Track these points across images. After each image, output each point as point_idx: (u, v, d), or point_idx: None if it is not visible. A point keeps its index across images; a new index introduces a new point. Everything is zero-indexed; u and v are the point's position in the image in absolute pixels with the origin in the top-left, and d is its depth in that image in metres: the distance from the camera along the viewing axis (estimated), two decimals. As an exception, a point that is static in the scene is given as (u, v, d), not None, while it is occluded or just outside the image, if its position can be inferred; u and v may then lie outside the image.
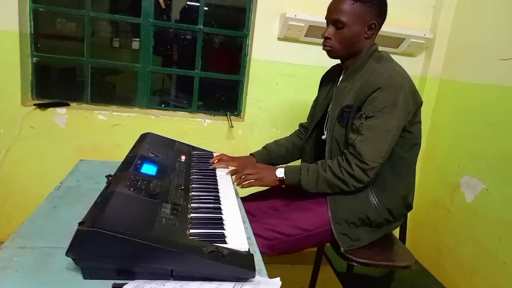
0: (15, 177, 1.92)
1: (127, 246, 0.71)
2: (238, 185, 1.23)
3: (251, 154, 1.50)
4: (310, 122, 1.47)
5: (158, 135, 1.60)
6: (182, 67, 2.26)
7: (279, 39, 2.11)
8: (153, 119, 2.09)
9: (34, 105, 1.92)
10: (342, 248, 1.22)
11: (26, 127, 1.92)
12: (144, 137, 1.51)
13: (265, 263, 0.87)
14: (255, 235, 1.12)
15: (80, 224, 0.72)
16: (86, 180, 1.30)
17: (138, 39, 2.11)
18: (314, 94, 1.55)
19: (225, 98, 2.35)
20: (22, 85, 1.90)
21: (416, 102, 1.21)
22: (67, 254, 0.70)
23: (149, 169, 1.14)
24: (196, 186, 1.18)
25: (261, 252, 1.16)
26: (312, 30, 2.03)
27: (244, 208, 1.21)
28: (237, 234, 0.89)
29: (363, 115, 1.17)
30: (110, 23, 2.26)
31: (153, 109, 2.19)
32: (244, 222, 1.11)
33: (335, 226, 1.21)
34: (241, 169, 1.28)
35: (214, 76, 2.26)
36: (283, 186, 1.29)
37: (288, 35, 2.07)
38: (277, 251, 1.19)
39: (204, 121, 2.17)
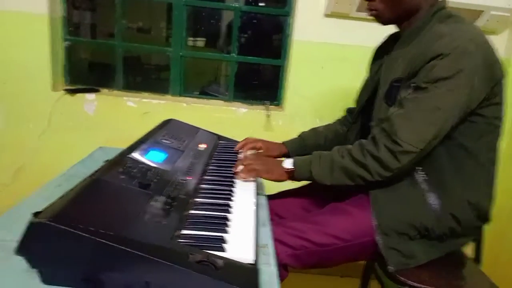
0: (47, 166, 1.92)
1: (88, 246, 0.57)
2: (235, 174, 1.05)
3: (282, 143, 1.31)
4: (356, 106, 1.24)
5: (182, 122, 1.48)
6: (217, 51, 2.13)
7: (326, 15, 1.88)
8: (184, 107, 1.98)
9: (64, 90, 1.89)
10: (390, 267, 0.98)
11: (56, 114, 1.91)
12: (165, 123, 1.39)
13: (297, 272, 0.68)
14: (278, 241, 0.93)
15: (34, 215, 0.58)
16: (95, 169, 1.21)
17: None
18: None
19: (263, 86, 2.18)
20: (53, 70, 1.89)
21: (492, 76, 0.93)
22: (17, 252, 0.57)
23: (155, 156, 1.01)
24: (210, 178, 1.02)
25: (285, 264, 0.98)
26: (365, 4, 1.77)
27: (271, 208, 1.03)
28: (242, 240, 0.71)
29: (412, 85, 0.93)
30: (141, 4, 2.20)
31: (186, 97, 2.08)
32: (264, 225, 0.93)
33: (381, 237, 0.98)
34: (245, 157, 1.10)
35: (252, 60, 2.09)
36: (294, 180, 1.09)
37: (337, 10, 1.84)
38: (304, 263, 0.98)
39: (239, 110, 2.01)
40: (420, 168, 0.98)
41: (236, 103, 2.09)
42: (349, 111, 1.38)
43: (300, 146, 1.29)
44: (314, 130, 1.33)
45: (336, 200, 1.08)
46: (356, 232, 0.98)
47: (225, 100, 2.09)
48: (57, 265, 0.58)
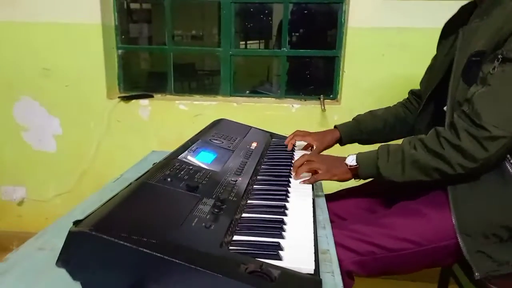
0: (106, 172, 1.99)
1: (129, 256, 0.52)
2: (296, 177, 0.96)
3: (335, 126, 1.20)
4: (425, 88, 1.09)
5: (232, 121, 1.43)
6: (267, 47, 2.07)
7: (383, -2, 1.74)
8: (235, 107, 1.94)
9: (119, 97, 1.95)
10: (477, 274, 0.84)
11: (113, 121, 1.97)
12: (215, 123, 1.36)
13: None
14: (340, 246, 0.83)
15: (74, 223, 0.55)
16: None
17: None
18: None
19: (317, 79, 2.07)
20: (107, 78, 1.96)
21: None
22: (57, 263, 0.54)
23: (204, 156, 0.96)
24: (262, 178, 0.95)
25: (349, 271, 0.87)
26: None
27: (329, 209, 0.93)
28: (301, 246, 0.63)
29: (498, 56, 0.78)
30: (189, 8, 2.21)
31: (236, 96, 2.04)
32: (324, 227, 0.84)
33: (463, 240, 0.83)
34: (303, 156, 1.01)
35: (305, 54, 2.00)
36: (358, 179, 0.97)
37: (395, -9, 1.68)
38: (370, 270, 0.87)
39: (292, 106, 1.93)
40: None
41: (288, 99, 2.01)
42: (413, 93, 1.23)
43: (354, 130, 1.18)
44: (371, 113, 1.20)
45: (405, 198, 0.96)
46: (431, 235, 0.85)
47: (277, 97, 2.02)
48: (99, 276, 0.54)
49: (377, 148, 0.94)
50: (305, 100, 1.99)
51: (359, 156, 0.95)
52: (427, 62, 1.24)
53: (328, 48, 1.97)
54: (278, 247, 0.61)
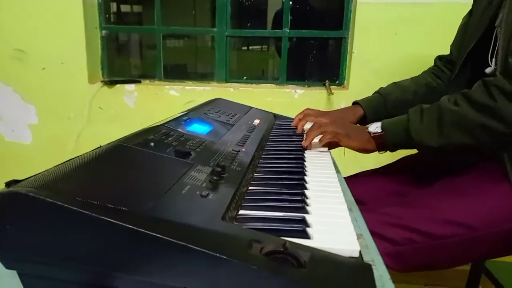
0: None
1: (83, 229, 0.36)
2: (306, 141, 0.79)
3: (354, 102, 1.04)
4: (459, 51, 0.95)
5: (230, 101, 1.27)
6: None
7: (395, -31, 1.60)
8: (231, 92, 1.78)
9: (101, 81, 1.78)
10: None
11: (95, 108, 1.80)
12: (210, 101, 1.19)
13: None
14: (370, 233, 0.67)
15: (7, 184, 0.39)
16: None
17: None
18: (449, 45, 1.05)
19: (322, 63, 1.93)
20: (89, 61, 1.79)
21: None
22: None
23: (198, 128, 0.80)
24: (270, 151, 0.79)
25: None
26: None
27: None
28: (335, 224, 0.46)
29: None
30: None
31: (233, 82, 1.88)
32: (350, 209, 0.67)
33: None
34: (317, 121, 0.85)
35: (308, 34, 1.85)
36: (384, 150, 0.82)
37: (410, -39, 1.55)
38: (409, 263, 0.70)
39: (295, 91, 1.77)
40: None
41: (290, 85, 1.85)
42: (442, 58, 1.08)
43: (380, 105, 1.01)
44: (396, 85, 1.04)
45: (444, 176, 0.80)
46: (489, 217, 0.68)
47: (277, 84, 1.87)
48: (41, 263, 0.38)
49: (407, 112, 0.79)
50: (308, 87, 1.84)
51: (385, 122, 0.80)
52: (445, 39, 1.10)
53: (334, 29, 1.82)
54: (304, 222, 0.44)
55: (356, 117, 1.01)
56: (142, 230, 0.34)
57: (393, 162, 1.00)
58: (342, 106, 1.80)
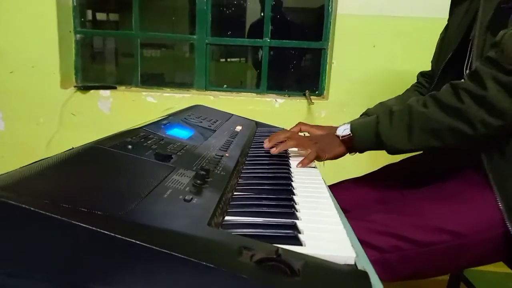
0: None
1: (51, 235, 0.32)
2: (273, 150, 0.77)
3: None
4: (438, 62, 0.96)
5: (210, 108, 1.25)
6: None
7: (375, -18, 1.63)
8: (211, 100, 1.75)
9: (74, 87, 1.71)
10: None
11: (67, 114, 1.73)
12: (190, 107, 1.16)
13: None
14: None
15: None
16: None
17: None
18: (430, 58, 1.07)
19: (302, 74, 1.93)
20: (62, 65, 1.72)
21: None
22: None
23: (179, 132, 0.77)
24: (254, 157, 0.76)
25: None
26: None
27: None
28: (328, 230, 0.44)
29: None
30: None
31: (213, 90, 1.86)
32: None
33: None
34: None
35: (288, 44, 1.85)
36: (354, 152, 0.82)
37: (389, -25, 1.59)
38: (396, 272, 0.69)
39: (276, 101, 1.76)
40: None
41: (271, 94, 1.84)
42: (424, 75, 1.09)
43: None
44: (382, 105, 1.05)
45: (429, 181, 0.79)
46: (475, 224, 0.68)
47: (258, 93, 1.85)
48: (7, 275, 0.33)
49: (375, 114, 0.79)
50: (289, 96, 1.83)
51: (353, 124, 0.80)
52: (423, 52, 1.13)
53: (314, 39, 1.83)
54: (295, 227, 0.42)
55: None
56: (119, 236, 0.31)
57: (376, 170, 0.99)
58: (323, 116, 1.82)
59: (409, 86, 1.14)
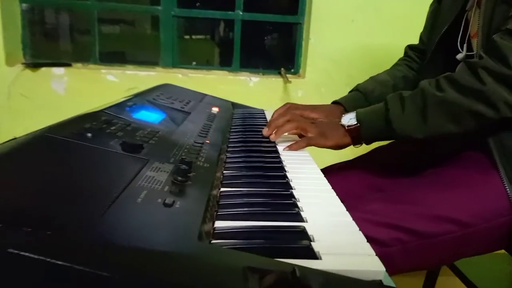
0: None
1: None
2: (275, 136, 0.71)
3: (334, 102, 0.95)
4: (430, 37, 0.90)
5: (181, 87, 1.14)
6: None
7: (354, -49, 1.55)
8: (180, 78, 1.63)
9: (22, 64, 1.54)
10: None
11: (16, 95, 1.56)
12: (157, 87, 1.05)
13: None
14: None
15: None
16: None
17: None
18: (412, 34, 1.03)
19: (276, 51, 1.85)
20: (7, 40, 1.53)
21: None
22: None
23: (148, 115, 0.67)
24: (235, 147, 0.68)
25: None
26: None
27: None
28: (340, 230, 0.36)
29: None
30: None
31: (181, 68, 1.73)
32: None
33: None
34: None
35: (261, 18, 1.75)
36: (358, 144, 0.76)
37: None
38: (399, 265, 0.64)
39: (250, 79, 1.67)
40: None
41: (245, 72, 1.74)
42: (413, 48, 1.03)
43: (361, 103, 0.91)
44: (374, 80, 0.98)
45: (429, 166, 0.74)
46: (480, 211, 0.63)
47: (230, 71, 1.75)
48: None
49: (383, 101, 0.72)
50: (263, 74, 1.74)
51: (360, 113, 0.73)
52: (404, 27, 1.08)
53: (289, 13, 1.74)
54: (305, 234, 0.34)
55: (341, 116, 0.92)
56: (76, 267, 0.22)
57: (364, 154, 0.93)
58: (300, 96, 1.75)
59: (389, 62, 1.08)
